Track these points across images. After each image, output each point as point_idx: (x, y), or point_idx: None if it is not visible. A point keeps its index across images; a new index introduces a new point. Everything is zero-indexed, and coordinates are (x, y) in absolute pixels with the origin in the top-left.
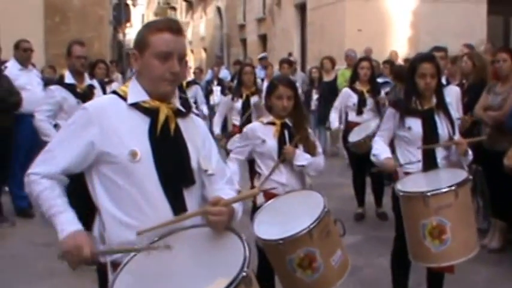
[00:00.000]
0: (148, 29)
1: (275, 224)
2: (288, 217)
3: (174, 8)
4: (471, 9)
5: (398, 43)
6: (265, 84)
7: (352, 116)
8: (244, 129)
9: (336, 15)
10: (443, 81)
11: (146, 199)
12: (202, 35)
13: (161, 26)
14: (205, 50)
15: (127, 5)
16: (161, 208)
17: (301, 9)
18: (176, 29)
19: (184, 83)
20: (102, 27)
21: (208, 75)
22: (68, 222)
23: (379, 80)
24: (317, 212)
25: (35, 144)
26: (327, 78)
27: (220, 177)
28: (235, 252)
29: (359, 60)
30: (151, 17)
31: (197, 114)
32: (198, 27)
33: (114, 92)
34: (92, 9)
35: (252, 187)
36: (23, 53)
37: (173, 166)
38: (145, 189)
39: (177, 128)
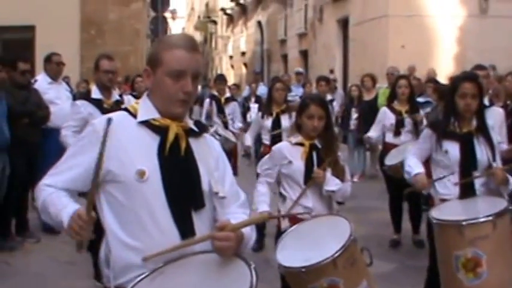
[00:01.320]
0: (162, 45)
1: (298, 250)
2: (312, 244)
3: (214, 22)
4: None
5: (444, 61)
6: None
7: (390, 137)
8: (272, 150)
9: (378, 31)
10: (486, 102)
11: (153, 221)
12: (242, 49)
13: (175, 43)
14: (245, 65)
15: (165, 18)
16: (168, 231)
17: (344, 24)
18: (191, 46)
19: (222, 99)
20: (138, 40)
21: (245, 91)
22: (70, 209)
23: (421, 99)
24: (343, 239)
25: None
26: (367, 96)
27: (233, 201)
28: (242, 281)
29: (397, 79)
30: (191, 31)
31: (233, 132)
32: (239, 41)
33: (125, 109)
34: (128, 22)
35: (278, 211)
36: (55, 67)
37: (182, 187)
38: (152, 210)
39: (188, 148)
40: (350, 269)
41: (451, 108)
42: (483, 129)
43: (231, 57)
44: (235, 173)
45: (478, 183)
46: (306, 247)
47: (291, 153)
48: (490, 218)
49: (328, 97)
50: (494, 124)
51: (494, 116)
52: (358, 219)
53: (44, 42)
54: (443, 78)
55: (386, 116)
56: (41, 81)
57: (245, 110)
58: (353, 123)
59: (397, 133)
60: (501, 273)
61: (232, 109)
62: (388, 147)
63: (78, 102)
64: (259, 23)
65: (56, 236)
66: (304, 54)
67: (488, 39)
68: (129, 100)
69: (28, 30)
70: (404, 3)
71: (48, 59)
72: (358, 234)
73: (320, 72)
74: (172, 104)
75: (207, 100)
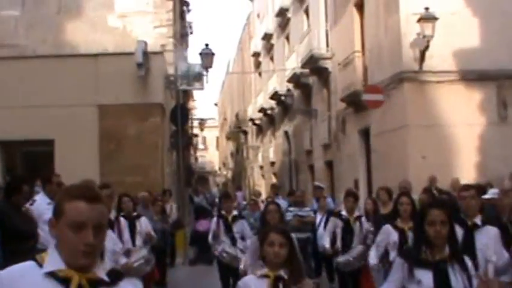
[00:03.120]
0: (64, 195)
1: None
2: None
3: (245, 132)
4: None
5: (465, 170)
6: (318, 216)
7: (393, 256)
8: (238, 284)
9: (398, 142)
10: (478, 222)
11: None
12: (271, 159)
13: (75, 194)
14: (275, 175)
15: (186, 131)
16: None
17: (365, 135)
18: (91, 196)
19: (229, 218)
20: (157, 154)
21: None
22: None
23: None
24: None
25: None
26: (383, 210)
27: None
28: None
29: (398, 196)
30: (224, 140)
31: (242, 250)
32: (268, 151)
33: (34, 259)
34: (147, 136)
35: None
36: (55, 187)
37: None
38: None
39: None
40: None
41: (421, 235)
42: (457, 256)
43: (261, 167)
44: None
45: None
46: None
47: (256, 286)
48: None
49: (357, 213)
50: (488, 243)
51: (488, 235)
52: None
53: (63, 156)
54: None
55: (389, 234)
56: (40, 202)
57: (263, 225)
58: (370, 238)
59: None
60: None
61: (240, 227)
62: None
63: None
64: (286, 134)
65: None
66: (330, 165)
67: (509, 146)
68: None
69: (47, 144)
70: (423, 113)
71: (48, 180)
72: None
73: (345, 183)
74: (74, 255)
75: (214, 219)
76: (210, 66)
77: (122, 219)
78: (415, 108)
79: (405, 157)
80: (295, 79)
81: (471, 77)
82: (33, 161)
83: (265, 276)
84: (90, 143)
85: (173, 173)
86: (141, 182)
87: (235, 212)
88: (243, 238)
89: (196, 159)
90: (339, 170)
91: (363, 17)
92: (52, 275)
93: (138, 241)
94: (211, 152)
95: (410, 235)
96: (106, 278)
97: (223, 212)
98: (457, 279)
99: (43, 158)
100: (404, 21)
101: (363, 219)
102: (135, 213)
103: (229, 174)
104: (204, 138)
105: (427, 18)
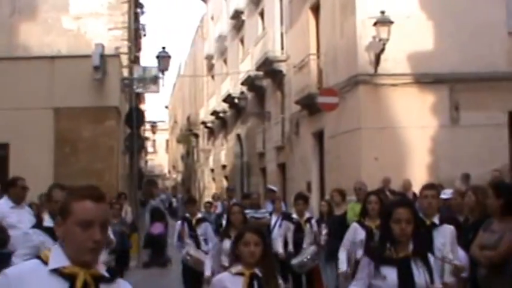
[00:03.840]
0: (71, 196)
1: None
2: None
3: (196, 135)
4: (492, 134)
5: (417, 171)
6: (273, 218)
7: (360, 254)
8: (212, 281)
9: (352, 144)
10: (436, 221)
11: None
12: (223, 162)
13: (83, 194)
14: (226, 178)
15: (140, 135)
16: None
17: (319, 137)
18: (97, 196)
19: (194, 221)
20: (112, 157)
21: (218, 208)
22: None
23: None
24: None
25: None
26: (337, 211)
27: None
28: None
29: (367, 194)
30: (174, 143)
31: (206, 252)
32: (219, 154)
33: (39, 257)
34: (102, 139)
35: None
36: (19, 191)
37: None
38: None
39: None
40: None
41: (386, 233)
42: (420, 253)
43: (212, 170)
44: None
45: None
46: None
47: (232, 283)
48: None
49: (307, 215)
50: (445, 241)
51: (445, 233)
52: None
53: (17, 160)
54: (417, 189)
55: (356, 232)
56: (3, 205)
57: (218, 227)
58: (323, 239)
59: None
60: None
61: (204, 229)
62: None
63: (30, 230)
64: (238, 136)
65: None
66: (283, 167)
67: (460, 148)
68: None
69: (1, 148)
70: (377, 115)
71: (12, 183)
72: None
73: (297, 186)
74: (81, 252)
75: (179, 222)
76: (167, 69)
77: None
78: (370, 110)
79: (358, 159)
80: (249, 82)
81: (425, 80)
82: None
83: (241, 274)
84: (45, 147)
85: (126, 176)
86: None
87: (199, 215)
88: (206, 241)
89: (146, 162)
90: (291, 172)
91: (318, 20)
92: (57, 271)
93: None
94: (160, 155)
95: (377, 233)
96: (107, 275)
97: (187, 215)
98: (420, 275)
99: None
100: (360, 24)
101: (313, 221)
102: None
103: (179, 178)
104: (154, 141)
105: (383, 21)
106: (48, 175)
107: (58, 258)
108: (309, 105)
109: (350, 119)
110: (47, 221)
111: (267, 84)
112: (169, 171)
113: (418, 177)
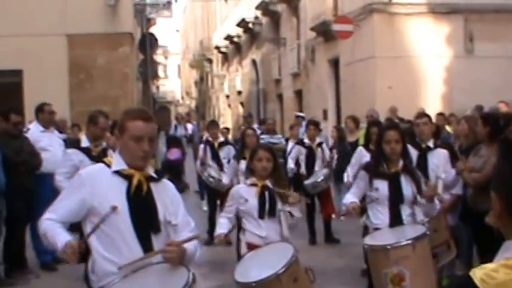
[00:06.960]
0: (126, 116)
1: (253, 269)
2: (264, 264)
3: (210, 60)
4: (506, 65)
5: (431, 101)
6: (290, 144)
7: None
8: (231, 191)
9: (366, 72)
10: (431, 144)
11: (123, 241)
12: (238, 89)
13: (135, 115)
14: (242, 104)
15: (154, 60)
16: (134, 249)
17: (335, 64)
18: (147, 117)
19: (216, 144)
20: (127, 84)
21: (238, 134)
22: (63, 238)
23: None
24: (286, 259)
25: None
26: (350, 138)
27: (185, 228)
28: (182, 280)
29: (369, 125)
30: (186, 68)
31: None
32: (234, 80)
33: (103, 162)
34: (116, 66)
35: (238, 240)
36: (47, 116)
37: (144, 217)
38: (123, 234)
39: (149, 190)
40: (293, 285)
41: (379, 152)
42: (409, 169)
43: (227, 96)
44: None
45: (404, 214)
46: (258, 267)
47: (247, 192)
48: (410, 241)
49: (318, 140)
50: (439, 163)
51: (438, 156)
52: (337, 252)
53: (31, 86)
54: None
55: (362, 156)
56: (34, 130)
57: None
58: (335, 164)
59: None
60: (421, 285)
61: (226, 152)
62: None
63: (70, 150)
64: (253, 62)
65: (53, 272)
66: (299, 94)
67: (474, 78)
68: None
69: (15, 74)
70: (390, 44)
71: (40, 109)
72: (336, 265)
73: (314, 113)
74: (135, 159)
75: (201, 146)
76: None
77: None
78: (384, 39)
79: (373, 87)
80: (263, 6)
81: (440, 9)
82: (1, 91)
83: (254, 184)
84: (60, 73)
85: (139, 102)
86: (111, 112)
87: (221, 138)
88: (229, 162)
89: (157, 88)
90: (307, 99)
91: None
92: (118, 172)
93: None
94: (172, 81)
95: None
96: (155, 175)
97: (209, 139)
98: (407, 187)
99: (11, 89)
100: None
101: (324, 145)
102: None
103: (193, 104)
104: (165, 67)
105: None
106: (63, 101)
107: (118, 163)
108: (325, 32)
109: (365, 48)
110: (84, 142)
111: (282, 10)
112: (182, 98)
113: (431, 107)
